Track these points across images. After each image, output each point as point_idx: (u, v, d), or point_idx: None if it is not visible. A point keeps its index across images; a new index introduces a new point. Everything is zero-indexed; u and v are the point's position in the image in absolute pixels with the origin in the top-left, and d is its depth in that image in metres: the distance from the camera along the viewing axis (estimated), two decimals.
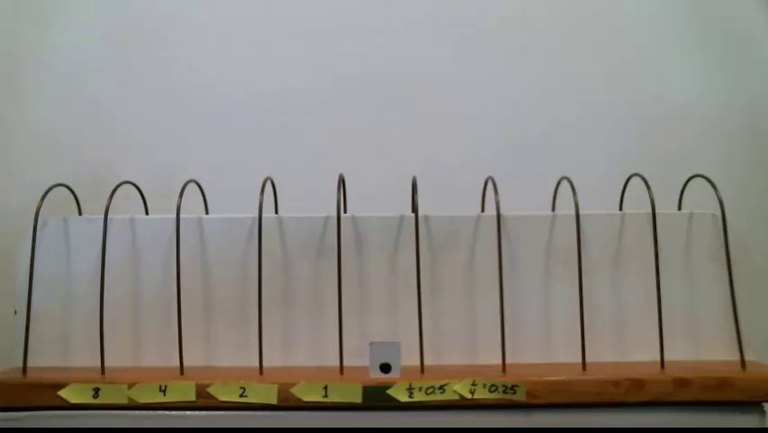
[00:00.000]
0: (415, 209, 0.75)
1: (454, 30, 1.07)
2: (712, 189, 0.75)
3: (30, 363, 0.73)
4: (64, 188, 0.79)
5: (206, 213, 0.85)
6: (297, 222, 0.77)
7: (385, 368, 0.69)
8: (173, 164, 1.02)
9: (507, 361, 0.71)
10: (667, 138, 1.04)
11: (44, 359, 0.75)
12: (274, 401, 0.68)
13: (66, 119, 1.04)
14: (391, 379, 0.68)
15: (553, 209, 0.84)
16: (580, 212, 0.74)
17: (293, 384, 0.68)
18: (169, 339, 0.73)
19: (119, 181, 0.79)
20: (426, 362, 0.72)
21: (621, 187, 0.82)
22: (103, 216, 0.74)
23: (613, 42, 1.06)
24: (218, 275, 0.77)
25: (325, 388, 0.68)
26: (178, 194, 0.75)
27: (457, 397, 0.68)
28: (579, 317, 0.72)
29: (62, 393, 0.68)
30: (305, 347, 0.76)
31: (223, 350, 0.76)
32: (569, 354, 0.74)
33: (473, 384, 0.68)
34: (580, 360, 0.72)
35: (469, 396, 0.68)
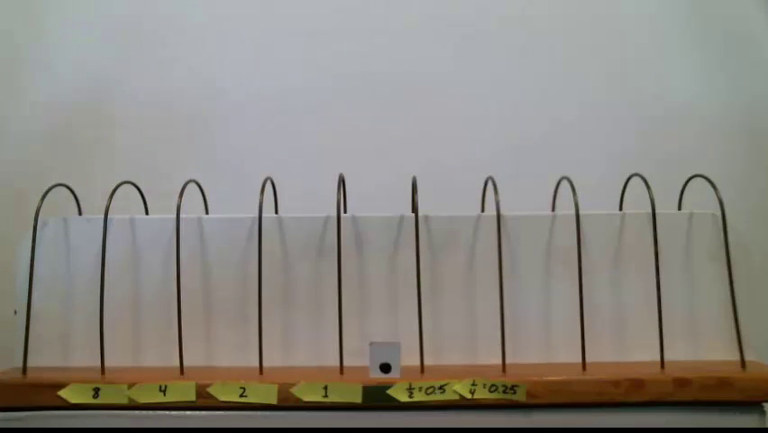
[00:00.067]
0: (415, 209, 0.75)
1: (454, 30, 1.07)
2: (712, 189, 0.75)
3: (30, 364, 0.73)
4: (64, 189, 0.79)
5: (206, 213, 0.85)
6: (297, 222, 0.77)
7: (385, 368, 0.69)
8: (173, 164, 1.02)
9: (507, 361, 0.71)
10: (667, 138, 1.04)
11: (44, 359, 0.75)
12: (274, 401, 0.68)
13: (65, 119, 1.04)
14: (391, 379, 0.68)
15: (553, 209, 0.84)
16: (580, 212, 0.74)
17: (293, 384, 0.68)
18: (169, 339, 0.73)
19: (119, 181, 0.79)
20: (426, 362, 0.72)
21: (621, 187, 0.82)
22: (103, 216, 0.74)
23: (613, 42, 1.06)
24: (218, 275, 0.77)
25: (325, 388, 0.68)
26: (177, 194, 0.75)
27: (457, 397, 0.68)
28: (579, 317, 0.72)
29: (62, 393, 0.68)
30: (305, 347, 0.76)
31: (223, 350, 0.76)
32: (569, 354, 0.74)
33: (473, 384, 0.68)
34: (580, 360, 0.72)
35: (469, 396, 0.68)
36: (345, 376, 0.70)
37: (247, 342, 0.75)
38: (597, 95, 1.06)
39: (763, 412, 0.69)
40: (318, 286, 0.76)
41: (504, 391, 0.67)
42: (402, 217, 0.77)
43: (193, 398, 0.68)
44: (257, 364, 0.72)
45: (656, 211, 0.74)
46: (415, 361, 0.72)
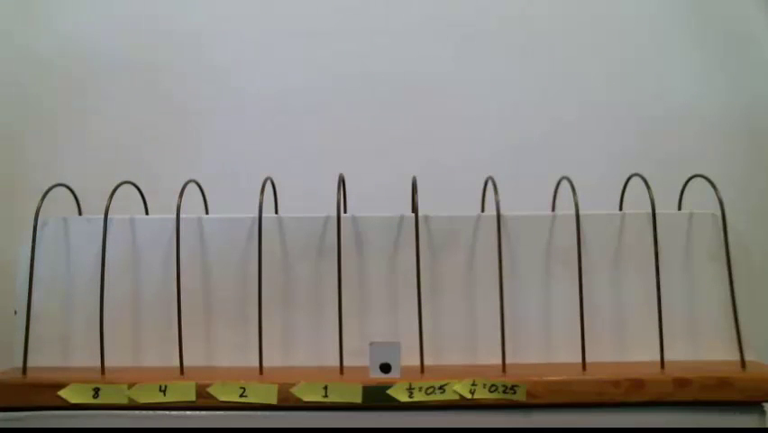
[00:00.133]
0: (415, 209, 0.75)
1: (454, 30, 1.07)
2: (712, 189, 0.75)
3: (30, 364, 0.73)
4: (64, 189, 0.79)
5: (206, 213, 0.85)
6: (297, 222, 0.77)
7: (385, 368, 0.69)
8: (173, 164, 1.02)
9: (507, 361, 0.71)
10: (667, 138, 1.04)
11: (44, 359, 0.75)
12: (274, 401, 0.68)
13: (65, 120, 1.04)
14: (391, 379, 0.68)
15: (553, 209, 0.84)
16: (580, 212, 0.74)
17: (293, 384, 0.68)
18: (169, 339, 0.73)
19: (118, 181, 0.79)
20: (426, 362, 0.72)
21: (621, 187, 0.82)
22: (103, 216, 0.74)
23: (613, 42, 1.06)
24: (218, 275, 0.77)
25: (325, 388, 0.68)
26: (177, 194, 0.75)
27: (457, 397, 0.68)
28: (579, 317, 0.72)
29: (62, 393, 0.68)
30: (305, 347, 0.76)
31: (223, 350, 0.76)
32: (569, 354, 0.74)
33: (473, 384, 0.68)
34: (580, 360, 0.72)
35: (469, 396, 0.68)
36: (345, 376, 0.70)
37: (247, 342, 0.75)
38: (597, 95, 1.06)
39: (763, 412, 0.69)
40: (318, 286, 0.76)
41: (504, 391, 0.67)
42: (402, 217, 0.77)
43: (193, 398, 0.68)
44: (257, 364, 0.72)
45: (656, 211, 0.74)
46: (415, 361, 0.72)
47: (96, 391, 0.68)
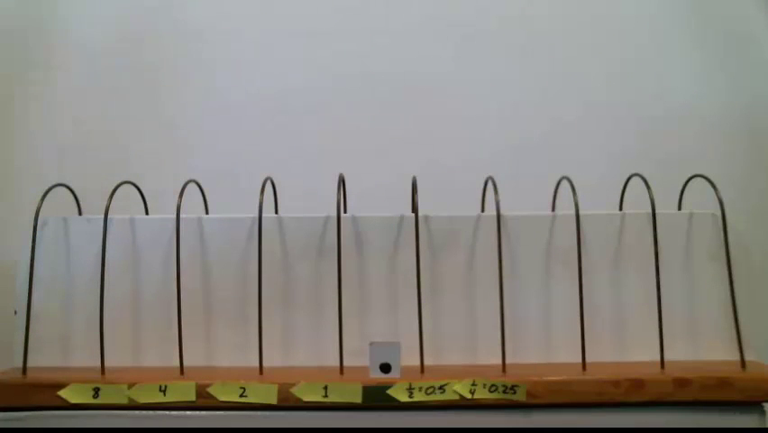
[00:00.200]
0: (415, 209, 0.75)
1: (454, 30, 1.07)
2: (712, 189, 0.75)
3: (30, 364, 0.73)
4: (64, 188, 0.79)
5: (206, 213, 0.85)
6: (297, 222, 0.77)
7: (385, 368, 0.69)
8: (172, 164, 1.02)
9: (507, 361, 0.71)
10: (667, 138, 1.04)
11: (44, 359, 0.75)
12: (274, 401, 0.68)
13: (65, 120, 1.04)
14: (391, 379, 0.68)
15: (553, 209, 0.84)
16: (580, 212, 0.74)
17: (293, 384, 0.68)
18: (169, 339, 0.73)
19: (119, 181, 0.79)
20: (426, 362, 0.72)
21: (621, 187, 0.82)
22: (103, 216, 0.74)
23: (613, 42, 1.06)
24: (218, 275, 0.77)
25: (325, 388, 0.68)
26: (178, 194, 0.75)
27: (457, 397, 0.68)
28: (579, 317, 0.72)
29: (62, 393, 0.68)
30: (305, 347, 0.76)
31: (223, 350, 0.76)
32: (569, 354, 0.74)
33: (473, 384, 0.68)
34: (580, 360, 0.72)
35: (469, 396, 0.68)
36: (345, 376, 0.70)
37: (247, 342, 0.75)
38: (597, 95, 1.06)
39: (763, 412, 0.69)
40: (318, 286, 0.76)
41: (504, 391, 0.67)
42: (402, 217, 0.77)
43: (193, 398, 0.68)
44: (257, 364, 0.72)
45: (656, 211, 0.74)
46: (415, 361, 0.72)
47: (96, 391, 0.68)
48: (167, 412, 0.68)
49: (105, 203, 0.75)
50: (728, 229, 0.75)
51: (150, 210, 0.84)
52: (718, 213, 0.75)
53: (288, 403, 0.68)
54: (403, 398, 0.67)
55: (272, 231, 0.76)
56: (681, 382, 0.68)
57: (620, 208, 0.82)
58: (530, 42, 1.06)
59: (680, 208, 0.81)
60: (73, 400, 0.68)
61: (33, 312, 0.74)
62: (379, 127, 1.05)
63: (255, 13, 1.06)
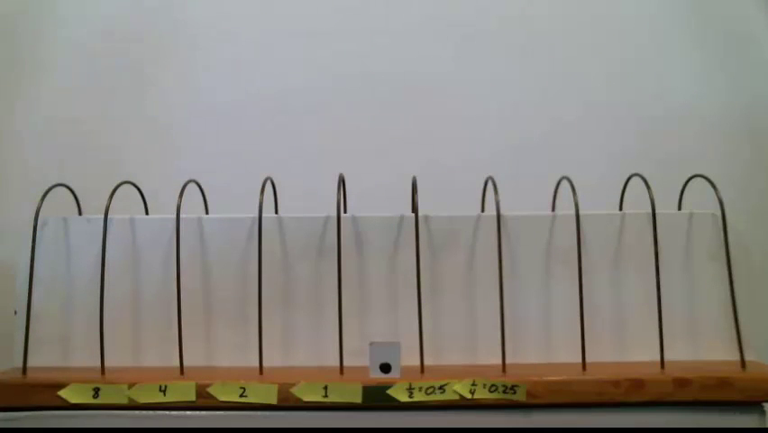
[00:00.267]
0: (415, 209, 0.75)
1: (454, 30, 1.07)
2: (712, 189, 0.75)
3: (30, 363, 0.73)
4: (64, 188, 0.79)
5: (206, 213, 0.85)
6: (297, 222, 0.77)
7: (385, 368, 0.69)
8: (172, 164, 1.02)
9: (507, 361, 0.71)
10: (667, 138, 1.04)
11: (44, 359, 0.75)
12: (274, 401, 0.68)
13: (65, 121, 1.04)
14: (391, 379, 0.68)
15: (553, 209, 0.84)
16: (580, 212, 0.74)
17: (293, 384, 0.68)
18: (169, 339, 0.73)
19: (119, 181, 0.79)
20: (426, 362, 0.72)
21: (621, 187, 0.82)
22: (103, 216, 0.74)
23: (613, 42, 1.06)
24: (218, 275, 0.77)
25: (325, 388, 0.68)
26: (178, 194, 0.75)
27: (457, 397, 0.68)
28: (579, 317, 0.72)
29: (62, 393, 0.68)
30: (305, 347, 0.76)
31: (223, 350, 0.76)
32: (569, 354, 0.74)
33: (473, 384, 0.68)
34: (580, 360, 0.72)
35: (469, 396, 0.68)
36: (345, 376, 0.70)
37: (247, 342, 0.75)
38: (597, 95, 1.06)
39: (763, 412, 0.69)
40: (318, 286, 0.76)
41: (504, 391, 0.67)
42: (402, 217, 0.77)
43: (193, 398, 0.68)
44: (257, 364, 0.72)
45: (656, 211, 0.74)
46: (415, 361, 0.72)
47: (96, 391, 0.68)
48: (167, 412, 0.68)
49: (105, 203, 0.75)
50: (728, 229, 0.75)
51: (149, 209, 0.84)
52: (718, 213, 0.75)
53: (287, 403, 0.68)
54: (403, 398, 0.67)
55: (272, 231, 0.76)
56: (681, 382, 0.68)
57: (620, 208, 0.82)
58: (530, 42, 1.06)
59: (680, 208, 0.81)
60: (73, 400, 0.68)
61: (33, 312, 0.74)
62: (379, 127, 1.05)
63: (255, 13, 1.07)
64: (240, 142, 1.04)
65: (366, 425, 0.68)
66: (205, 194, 0.84)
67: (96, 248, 0.75)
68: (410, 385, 0.68)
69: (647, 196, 0.74)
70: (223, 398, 0.68)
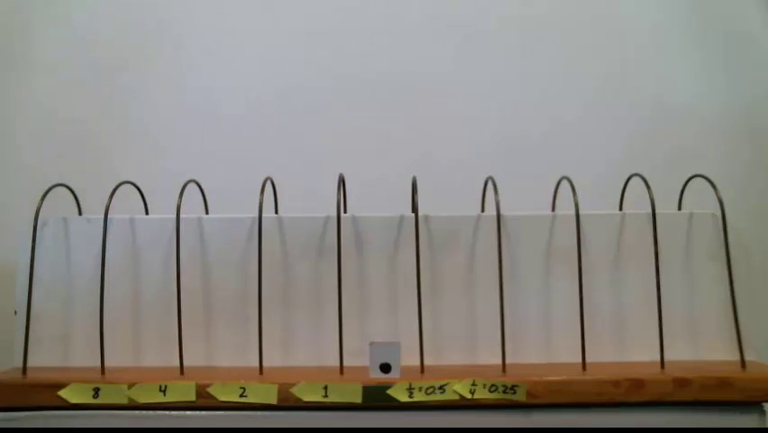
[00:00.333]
0: (415, 209, 0.75)
1: (454, 30, 1.07)
2: (712, 189, 0.75)
3: (30, 363, 0.73)
4: (64, 188, 0.79)
5: (206, 213, 0.85)
6: (296, 222, 0.77)
7: (385, 368, 0.69)
8: (172, 163, 1.02)
9: (507, 361, 0.71)
10: (667, 138, 1.04)
11: (44, 359, 0.75)
12: (274, 401, 0.68)
13: (65, 122, 1.04)
14: (391, 379, 0.68)
15: (553, 209, 0.84)
16: (580, 212, 0.74)
17: (293, 384, 0.68)
18: (169, 339, 0.73)
19: (119, 181, 0.79)
20: (426, 362, 0.72)
21: (621, 187, 0.82)
22: (103, 216, 0.74)
23: (613, 42, 1.06)
24: (218, 275, 0.77)
25: (325, 388, 0.68)
26: (178, 194, 0.75)
27: (457, 397, 0.68)
28: (579, 317, 0.72)
29: (62, 393, 0.68)
30: (305, 347, 0.76)
31: (223, 350, 0.76)
32: (569, 354, 0.74)
33: (473, 384, 0.68)
34: (580, 360, 0.72)
35: (469, 396, 0.68)
36: (345, 376, 0.70)
37: (247, 342, 0.75)
38: (597, 95, 1.06)
39: (763, 412, 0.69)
40: (318, 286, 0.76)
41: (504, 391, 0.67)
42: (402, 217, 0.77)
43: (193, 398, 0.68)
44: (257, 364, 0.72)
45: (656, 211, 0.74)
46: (415, 361, 0.72)
47: (96, 391, 0.68)
48: (167, 412, 0.68)
49: (105, 203, 0.75)
50: (728, 229, 0.75)
51: (149, 209, 0.84)
52: (718, 213, 0.75)
53: (288, 403, 0.68)
54: (403, 398, 0.67)
55: (272, 231, 0.76)
56: (681, 382, 0.68)
57: (620, 208, 0.82)
58: (530, 42, 1.06)
59: (680, 208, 0.81)
60: (73, 400, 0.68)
61: (33, 312, 0.74)
62: (379, 127, 1.05)
63: (255, 12, 1.06)
64: (240, 142, 1.04)
65: (366, 425, 0.68)
66: (205, 194, 0.84)
67: (96, 248, 0.75)
68: (410, 385, 0.68)
69: (647, 196, 0.74)
70: (223, 398, 0.68)
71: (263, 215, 0.74)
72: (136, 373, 0.72)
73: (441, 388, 0.68)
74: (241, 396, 0.68)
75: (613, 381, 0.68)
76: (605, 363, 0.74)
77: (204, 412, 0.68)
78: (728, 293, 0.74)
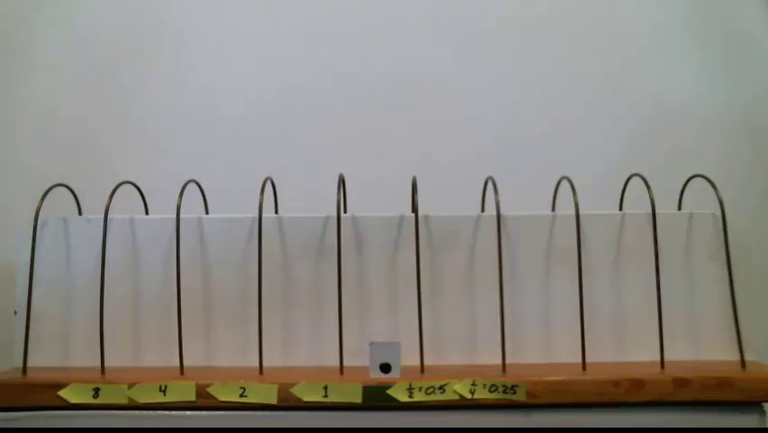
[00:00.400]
0: (415, 209, 0.75)
1: (454, 30, 1.07)
2: (712, 189, 0.75)
3: (30, 363, 0.73)
4: (64, 188, 0.79)
5: (206, 213, 0.85)
6: (296, 222, 0.77)
7: (385, 368, 0.69)
8: (172, 164, 1.02)
9: (507, 361, 0.71)
10: (667, 138, 1.04)
11: (44, 359, 0.75)
12: (274, 401, 0.68)
13: (65, 122, 1.04)
14: (391, 379, 0.68)
15: (553, 209, 0.84)
16: (580, 212, 0.74)
17: (293, 384, 0.68)
18: (169, 339, 0.73)
19: (119, 181, 0.79)
20: (426, 362, 0.72)
21: (621, 187, 0.82)
22: (103, 216, 0.74)
23: (613, 42, 1.06)
24: (218, 275, 0.77)
25: (325, 388, 0.68)
26: (178, 194, 0.75)
27: (457, 397, 0.68)
28: (579, 317, 0.72)
29: (62, 393, 0.68)
30: (305, 347, 0.76)
31: (223, 350, 0.76)
32: (569, 354, 0.74)
33: (473, 384, 0.68)
34: (580, 360, 0.72)
35: (469, 396, 0.68)
36: (345, 376, 0.70)
37: (247, 342, 0.75)
38: (597, 95, 1.06)
39: (763, 412, 0.69)
40: (318, 286, 0.76)
41: (504, 391, 0.67)
42: (402, 217, 0.77)
43: (193, 398, 0.68)
44: (257, 364, 0.72)
45: (656, 211, 0.74)
46: (415, 361, 0.72)
47: (96, 391, 0.68)
48: (167, 412, 0.68)
49: (105, 203, 0.75)
50: (728, 229, 0.75)
51: (149, 209, 0.84)
52: (718, 213, 0.75)
53: (288, 403, 0.68)
54: (403, 398, 0.67)
55: (272, 231, 0.76)
56: (681, 382, 0.68)
57: (620, 208, 0.82)
58: (530, 42, 1.06)
59: (680, 208, 0.81)
60: (73, 400, 0.68)
61: (33, 312, 0.74)
62: (379, 127, 1.05)
63: (255, 12, 1.06)
64: (240, 142, 1.04)
65: (366, 425, 0.68)
66: (206, 194, 0.84)
67: (96, 248, 0.75)
68: (410, 385, 0.68)
69: (647, 196, 0.74)
70: (223, 398, 0.68)
71: (263, 215, 0.74)
72: (136, 372, 0.72)
73: (441, 388, 0.68)
74: (241, 396, 0.68)
75: (613, 381, 0.68)
76: (605, 363, 0.74)
77: (204, 412, 0.68)
78: (728, 293, 0.74)
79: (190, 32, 1.06)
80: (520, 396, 0.67)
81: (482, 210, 0.82)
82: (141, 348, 0.76)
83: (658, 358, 0.72)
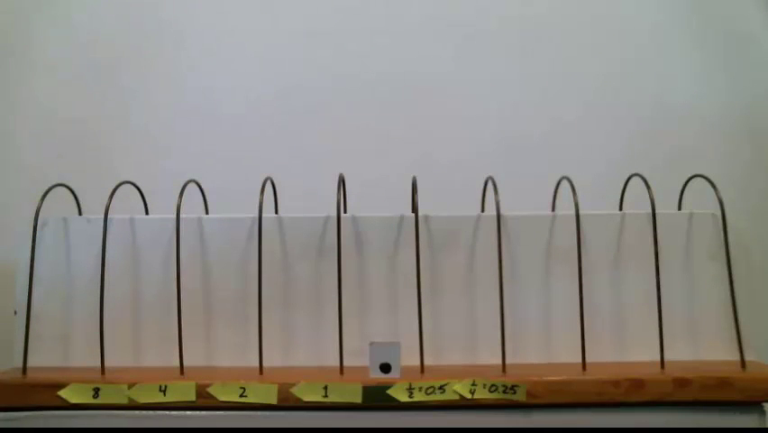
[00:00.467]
0: (415, 209, 0.75)
1: (454, 30, 1.07)
2: (712, 189, 0.75)
3: (30, 363, 0.73)
4: (64, 188, 0.79)
5: (206, 213, 0.85)
6: (296, 222, 0.77)
7: (385, 368, 0.69)
8: (172, 164, 1.02)
9: (507, 361, 0.71)
10: (667, 138, 1.04)
11: (44, 359, 0.75)
12: (274, 401, 0.68)
13: (65, 122, 1.04)
14: (391, 379, 0.68)
15: (553, 209, 0.84)
16: (580, 212, 0.74)
17: (293, 384, 0.68)
18: (169, 339, 0.73)
19: (119, 181, 0.79)
20: (426, 362, 0.72)
21: (621, 187, 0.82)
22: (103, 216, 0.74)
23: (613, 42, 1.06)
24: (218, 275, 0.77)
25: (325, 388, 0.68)
26: (178, 194, 0.75)
27: (457, 397, 0.68)
28: (579, 317, 0.72)
29: (62, 393, 0.68)
30: (305, 347, 0.76)
31: (223, 350, 0.76)
32: (569, 354, 0.74)
33: (473, 384, 0.68)
34: (580, 360, 0.72)
35: (469, 396, 0.68)
36: (345, 376, 0.70)
37: (247, 342, 0.75)
38: (597, 95, 1.06)
39: (763, 412, 0.69)
40: (318, 286, 0.76)
41: (504, 391, 0.67)
42: (402, 217, 0.77)
43: (193, 398, 0.68)
44: (257, 364, 0.72)
45: (656, 211, 0.74)
46: (415, 361, 0.72)
47: (96, 391, 0.68)
48: (167, 412, 0.68)
49: (105, 203, 0.75)
50: (728, 229, 0.75)
51: (149, 209, 0.84)
52: (718, 213, 0.75)
53: (288, 403, 0.68)
54: (403, 398, 0.67)
55: (272, 231, 0.76)
56: (681, 382, 0.68)
57: (620, 208, 0.82)
58: (530, 42, 1.06)
59: (680, 208, 0.81)
60: (73, 400, 0.68)
61: (33, 312, 0.74)
62: (379, 127, 1.05)
63: (255, 12, 1.07)
64: (240, 142, 1.04)
65: (366, 425, 0.68)
66: (206, 194, 0.84)
67: (96, 248, 0.75)
68: (410, 385, 0.68)
69: (647, 196, 0.74)
70: (223, 398, 0.68)
71: (263, 215, 0.74)
72: (136, 372, 0.72)
73: (441, 388, 0.68)
74: (241, 396, 0.68)
75: (613, 381, 0.68)
76: (605, 363, 0.74)
77: (204, 412, 0.68)
78: (728, 293, 0.74)
79: (190, 32, 1.06)
80: (520, 396, 0.67)
81: (482, 210, 0.82)
82: (141, 348, 0.76)
83: (658, 358, 0.72)
